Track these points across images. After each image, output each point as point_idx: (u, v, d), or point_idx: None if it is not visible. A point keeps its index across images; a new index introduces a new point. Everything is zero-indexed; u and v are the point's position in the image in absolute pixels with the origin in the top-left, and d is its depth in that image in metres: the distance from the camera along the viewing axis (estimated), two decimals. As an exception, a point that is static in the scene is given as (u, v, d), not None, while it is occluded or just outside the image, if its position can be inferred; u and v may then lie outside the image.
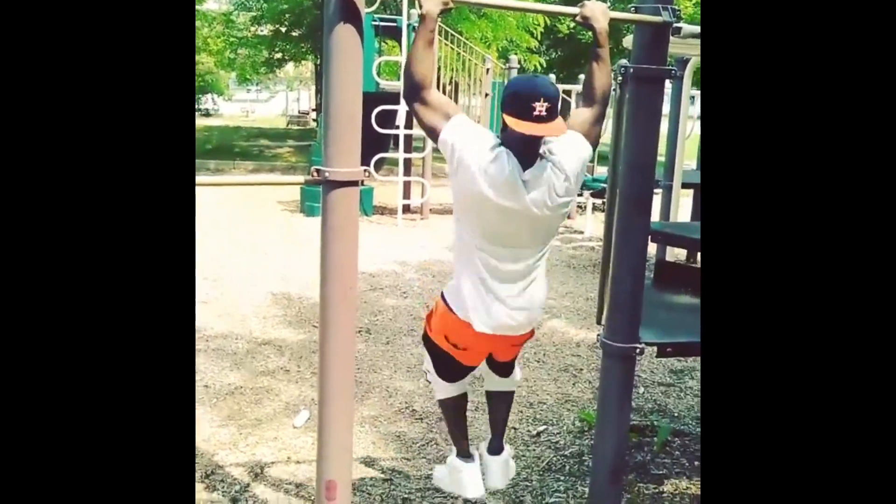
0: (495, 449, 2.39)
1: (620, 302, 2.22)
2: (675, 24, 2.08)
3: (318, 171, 1.94)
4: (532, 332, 2.18)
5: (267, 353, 3.97)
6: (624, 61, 2.80)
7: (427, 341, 2.25)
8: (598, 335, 2.24)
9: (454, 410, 2.34)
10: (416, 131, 8.27)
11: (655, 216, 5.17)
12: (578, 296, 5.35)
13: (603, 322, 2.36)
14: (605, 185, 6.40)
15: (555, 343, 4.29)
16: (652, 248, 5.28)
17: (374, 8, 8.06)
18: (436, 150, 10.35)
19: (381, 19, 8.71)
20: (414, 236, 7.34)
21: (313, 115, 24.27)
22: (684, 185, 5.58)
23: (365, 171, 1.98)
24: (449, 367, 2.22)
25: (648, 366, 3.91)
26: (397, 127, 7.71)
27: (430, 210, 8.47)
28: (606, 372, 2.28)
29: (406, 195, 8.33)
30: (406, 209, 8.18)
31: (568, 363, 3.97)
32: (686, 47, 4.78)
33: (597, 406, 2.41)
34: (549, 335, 4.42)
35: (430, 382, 2.38)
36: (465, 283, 2.01)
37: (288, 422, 3.14)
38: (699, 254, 6.07)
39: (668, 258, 5.43)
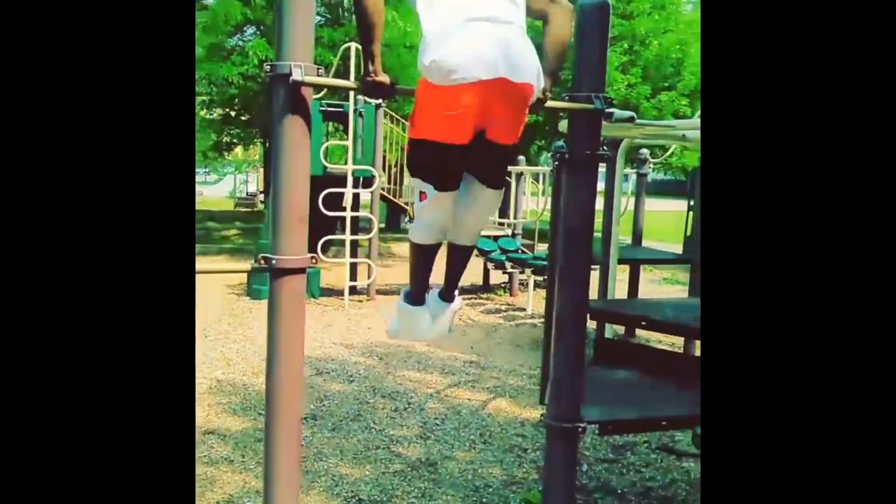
0: (448, 298, 2.49)
1: (562, 381, 2.27)
2: (607, 111, 2.22)
3: (265, 258, 1.98)
4: (528, 97, 2.06)
5: (210, 442, 3.87)
6: (560, 143, 2.92)
7: (414, 147, 2.16)
8: (542, 415, 2.28)
9: (426, 257, 2.36)
10: (363, 213, 8.38)
11: (594, 293, 5.30)
12: (522, 374, 5.39)
13: (546, 401, 2.41)
14: (545, 263, 6.55)
15: (500, 423, 4.30)
16: (591, 325, 5.39)
17: (321, 94, 8.24)
18: (382, 231, 10.39)
19: (329, 104, 8.92)
20: (361, 318, 7.33)
21: (261, 196, 24.23)
22: (620, 261, 5.76)
23: (312, 258, 2.02)
24: (443, 165, 2.14)
25: (591, 442, 3.95)
26: (344, 209, 7.79)
27: (377, 291, 8.48)
28: (550, 452, 2.32)
29: (353, 277, 8.34)
30: (353, 291, 8.18)
31: (513, 443, 3.98)
32: (618, 130, 5.04)
33: (542, 486, 2.43)
34: (494, 415, 4.44)
35: (410, 221, 2.39)
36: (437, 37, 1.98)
37: (231, 513, 3.05)
38: (636, 330, 6.22)
39: (607, 335, 5.54)
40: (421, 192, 2.23)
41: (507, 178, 9.22)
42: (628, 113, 3.30)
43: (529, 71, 2.04)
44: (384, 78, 2.03)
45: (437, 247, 2.38)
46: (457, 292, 2.55)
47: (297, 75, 1.83)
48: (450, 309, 2.51)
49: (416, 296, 2.45)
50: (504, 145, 2.15)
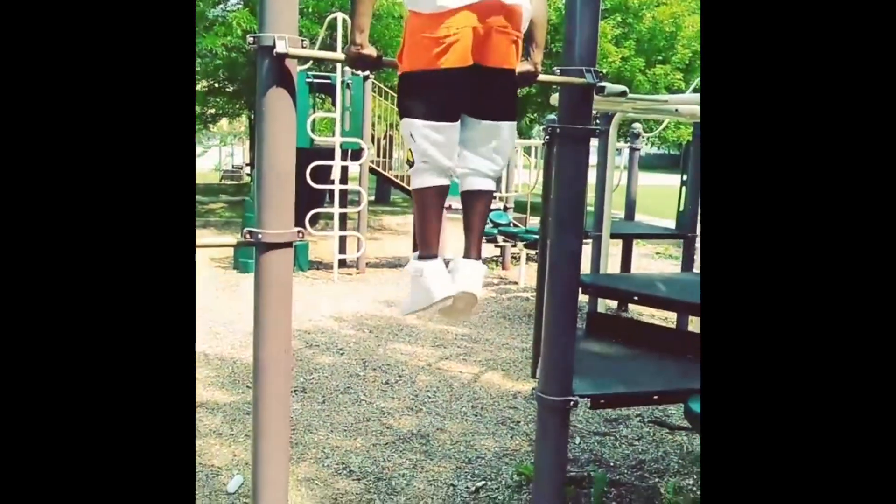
0: (474, 255, 2.18)
1: (553, 355, 2.26)
2: (598, 85, 2.19)
3: (250, 233, 1.94)
4: (519, 18, 2.00)
5: (199, 415, 3.85)
6: (552, 117, 2.87)
7: (404, 82, 2.05)
8: (534, 389, 2.28)
9: (432, 202, 2.10)
10: (352, 186, 8.32)
11: (586, 267, 5.29)
12: (514, 347, 5.39)
13: (538, 375, 2.40)
14: (537, 237, 6.53)
15: (492, 396, 4.30)
16: (584, 298, 5.39)
17: (307, 66, 8.12)
18: (371, 203, 10.33)
19: (315, 76, 8.81)
20: (350, 291, 7.31)
21: (247, 169, 24.10)
22: (613, 236, 5.75)
23: (299, 232, 1.99)
24: (436, 94, 2.01)
25: (584, 415, 3.96)
26: (332, 182, 7.73)
27: (367, 264, 8.46)
28: (542, 425, 2.31)
29: (342, 250, 8.31)
30: (342, 264, 8.15)
31: (505, 416, 3.98)
32: (610, 104, 5.00)
33: (534, 458, 2.43)
34: (486, 387, 4.44)
35: (411, 166, 2.12)
36: None
37: (221, 487, 3.05)
38: (628, 304, 6.24)
39: (600, 309, 5.55)
40: (411, 133, 2.05)
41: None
42: (620, 87, 3.26)
43: None
44: (371, 50, 1.98)
45: (443, 191, 2.12)
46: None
47: (280, 47, 1.79)
48: (477, 268, 2.15)
49: (427, 249, 2.12)
50: (504, 69, 2.05)
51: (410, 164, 2.12)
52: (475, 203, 2.19)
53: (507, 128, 2.14)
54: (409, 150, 2.09)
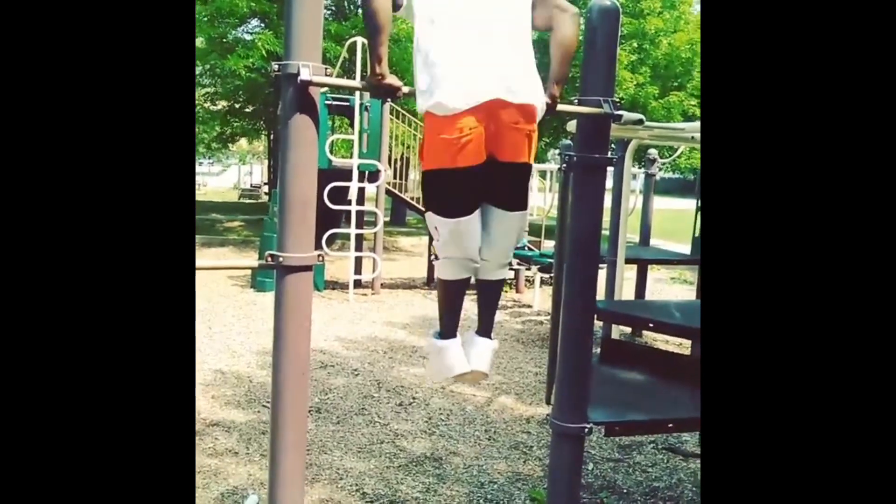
0: (485, 334, 2.43)
1: (568, 382, 2.27)
2: (615, 114, 2.22)
3: (272, 256, 1.98)
4: (531, 114, 2.11)
5: (215, 434, 3.88)
6: (569, 143, 2.88)
7: (426, 179, 2.20)
8: (548, 415, 2.29)
9: (455, 293, 2.33)
10: (369, 206, 8.38)
11: (601, 292, 5.29)
12: (528, 371, 5.39)
13: (552, 402, 2.41)
14: (552, 261, 6.53)
15: (505, 420, 4.30)
16: (598, 324, 5.38)
17: (326, 88, 8.23)
18: (387, 225, 10.41)
19: (335, 98, 8.92)
20: (365, 312, 7.34)
21: (265, 188, 24.30)
22: (627, 261, 5.75)
23: (319, 255, 2.02)
24: (454, 191, 2.15)
25: (597, 441, 3.95)
26: (349, 203, 7.79)
27: (382, 285, 8.49)
28: (556, 451, 2.32)
29: (358, 270, 8.35)
30: (357, 284, 8.19)
31: (518, 440, 3.98)
32: (627, 131, 5.03)
33: (547, 485, 2.43)
34: (499, 412, 4.44)
35: (436, 258, 2.35)
36: (433, 71, 2.06)
37: (235, 507, 3.07)
38: (643, 331, 6.22)
39: (613, 334, 5.54)
40: (436, 227, 2.24)
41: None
42: (637, 115, 3.29)
43: (527, 91, 2.10)
44: (392, 80, 2.04)
45: (466, 282, 2.35)
46: (493, 334, 2.48)
47: (305, 75, 1.84)
48: (488, 346, 2.40)
49: (446, 330, 2.37)
50: (516, 164, 2.17)
51: (437, 257, 2.34)
52: (492, 291, 2.44)
53: (520, 216, 2.30)
54: (435, 245, 2.31)
